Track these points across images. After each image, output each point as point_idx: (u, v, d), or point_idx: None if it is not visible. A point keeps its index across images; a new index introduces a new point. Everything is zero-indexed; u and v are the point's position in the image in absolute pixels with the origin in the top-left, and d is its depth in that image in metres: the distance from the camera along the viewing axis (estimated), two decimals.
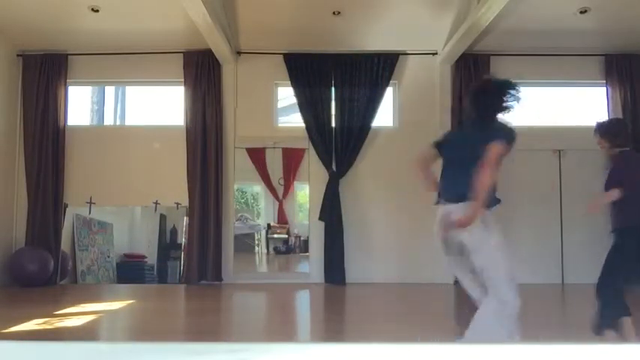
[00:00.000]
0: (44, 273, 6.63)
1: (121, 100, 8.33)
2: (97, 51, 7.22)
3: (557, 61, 7.25)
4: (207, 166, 7.00)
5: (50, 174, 6.99)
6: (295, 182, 7.40)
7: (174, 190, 7.11)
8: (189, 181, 7.02)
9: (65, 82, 7.19)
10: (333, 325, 4.54)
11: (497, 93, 3.08)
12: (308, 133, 7.13)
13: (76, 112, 7.61)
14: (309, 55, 7.14)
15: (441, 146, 3.41)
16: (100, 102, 8.29)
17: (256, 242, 7.65)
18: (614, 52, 7.21)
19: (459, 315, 5.11)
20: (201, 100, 7.07)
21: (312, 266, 7.14)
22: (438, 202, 3.49)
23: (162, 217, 7.45)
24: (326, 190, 7.04)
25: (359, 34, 7.08)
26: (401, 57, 7.24)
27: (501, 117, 3.13)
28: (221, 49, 6.73)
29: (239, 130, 7.23)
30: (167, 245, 7.49)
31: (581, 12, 6.55)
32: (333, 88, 7.14)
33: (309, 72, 7.12)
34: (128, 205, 7.42)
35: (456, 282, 6.88)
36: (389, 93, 7.35)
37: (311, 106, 7.10)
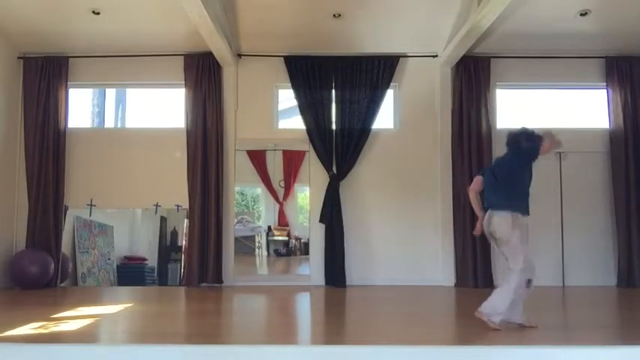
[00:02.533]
0: (44, 275, 6.63)
1: (121, 103, 8.33)
2: (98, 53, 7.24)
3: (557, 63, 7.26)
4: (208, 169, 7.00)
5: (51, 176, 7.00)
6: (296, 184, 7.40)
7: (174, 192, 7.12)
8: (189, 184, 7.03)
9: (66, 85, 7.20)
10: (334, 328, 4.53)
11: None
12: (308, 136, 7.14)
13: (77, 115, 7.61)
14: (309, 58, 7.15)
15: None
16: (100, 104, 8.29)
17: (257, 244, 7.64)
18: (615, 54, 7.22)
19: (459, 317, 5.11)
20: (201, 102, 7.08)
21: (312, 269, 7.14)
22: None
23: (163, 220, 7.45)
24: (326, 193, 7.05)
25: (359, 37, 7.08)
26: (401, 59, 7.25)
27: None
28: (222, 52, 6.74)
29: (239, 132, 7.24)
30: (167, 248, 7.48)
31: (581, 14, 6.56)
32: (333, 91, 7.15)
33: (309, 74, 7.12)
34: (129, 207, 7.42)
35: (457, 284, 6.91)
36: (389, 95, 7.36)
37: (311, 108, 7.10)
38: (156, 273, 7.41)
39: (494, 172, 4.40)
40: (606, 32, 6.92)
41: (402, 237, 7.13)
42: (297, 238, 7.56)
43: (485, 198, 4.36)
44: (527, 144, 4.29)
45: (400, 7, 6.61)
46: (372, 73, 7.13)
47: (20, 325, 4.14)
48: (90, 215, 7.31)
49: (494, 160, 4.82)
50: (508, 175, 4.27)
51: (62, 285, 7.03)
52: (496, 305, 4.02)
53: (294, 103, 7.20)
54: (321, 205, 7.04)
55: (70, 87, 7.30)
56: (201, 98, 7.09)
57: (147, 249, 7.52)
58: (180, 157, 7.10)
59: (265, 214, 7.72)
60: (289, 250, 7.56)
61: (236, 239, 7.20)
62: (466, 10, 6.38)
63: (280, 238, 7.59)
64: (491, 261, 6.88)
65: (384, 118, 7.37)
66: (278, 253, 7.60)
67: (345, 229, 6.97)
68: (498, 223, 4.14)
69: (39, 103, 7.08)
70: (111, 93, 8.29)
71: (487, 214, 4.25)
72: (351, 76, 7.12)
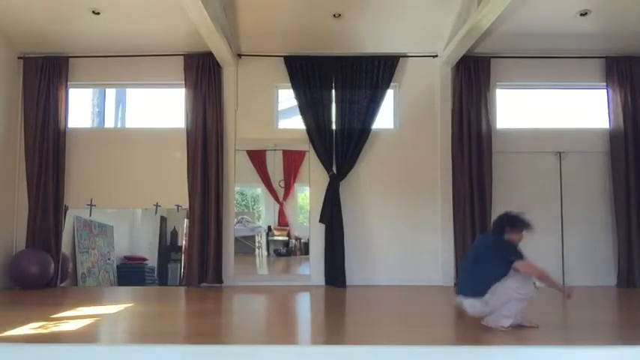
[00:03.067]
0: (45, 275, 6.63)
1: (121, 103, 8.34)
2: (98, 53, 7.24)
3: (557, 63, 7.26)
4: (208, 169, 7.00)
5: (51, 176, 7.00)
6: (296, 184, 7.40)
7: (174, 192, 7.12)
8: (189, 184, 7.03)
9: (66, 85, 7.20)
10: (334, 328, 4.53)
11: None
12: (308, 136, 7.14)
13: (77, 115, 7.62)
14: (309, 58, 7.15)
15: None
16: (100, 104, 8.29)
17: (257, 244, 7.64)
18: (615, 54, 7.22)
19: (459, 317, 5.11)
20: (201, 102, 7.08)
21: (312, 269, 7.14)
22: None
23: (163, 220, 7.45)
24: (326, 193, 7.05)
25: (359, 37, 7.08)
26: (401, 59, 7.25)
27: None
28: (222, 52, 6.74)
29: (239, 132, 7.24)
30: (167, 248, 7.48)
31: (581, 14, 6.56)
32: (333, 91, 7.15)
33: (309, 74, 7.12)
34: (129, 207, 7.42)
35: (456, 284, 6.90)
36: (389, 95, 7.36)
37: (311, 108, 7.10)
38: (156, 273, 7.41)
39: (474, 249, 4.43)
40: (606, 32, 6.92)
41: (402, 237, 7.13)
42: (297, 238, 7.55)
43: (459, 276, 4.32)
44: (511, 236, 4.19)
45: (400, 7, 6.61)
46: (372, 73, 7.13)
47: (20, 325, 4.14)
48: (90, 215, 7.31)
49: (480, 236, 4.76)
50: (478, 259, 4.24)
51: (62, 285, 7.03)
52: (509, 314, 4.00)
53: (294, 103, 7.20)
54: (321, 205, 7.04)
55: (70, 87, 7.30)
56: (201, 98, 7.09)
57: (147, 249, 7.52)
58: (180, 157, 7.11)
59: (265, 214, 7.72)
60: (289, 250, 7.55)
61: (236, 239, 7.21)
62: (466, 10, 6.38)
63: (280, 238, 7.59)
64: None
65: (384, 118, 7.37)
66: (278, 253, 7.60)
67: (345, 229, 6.97)
68: (468, 308, 4.17)
69: (39, 103, 7.08)
70: (111, 93, 8.29)
71: (458, 297, 4.25)
72: (351, 76, 7.12)
